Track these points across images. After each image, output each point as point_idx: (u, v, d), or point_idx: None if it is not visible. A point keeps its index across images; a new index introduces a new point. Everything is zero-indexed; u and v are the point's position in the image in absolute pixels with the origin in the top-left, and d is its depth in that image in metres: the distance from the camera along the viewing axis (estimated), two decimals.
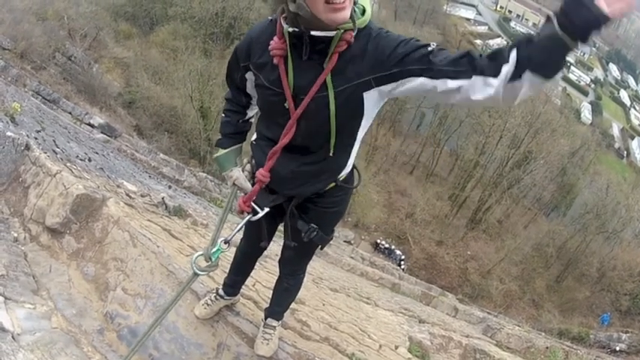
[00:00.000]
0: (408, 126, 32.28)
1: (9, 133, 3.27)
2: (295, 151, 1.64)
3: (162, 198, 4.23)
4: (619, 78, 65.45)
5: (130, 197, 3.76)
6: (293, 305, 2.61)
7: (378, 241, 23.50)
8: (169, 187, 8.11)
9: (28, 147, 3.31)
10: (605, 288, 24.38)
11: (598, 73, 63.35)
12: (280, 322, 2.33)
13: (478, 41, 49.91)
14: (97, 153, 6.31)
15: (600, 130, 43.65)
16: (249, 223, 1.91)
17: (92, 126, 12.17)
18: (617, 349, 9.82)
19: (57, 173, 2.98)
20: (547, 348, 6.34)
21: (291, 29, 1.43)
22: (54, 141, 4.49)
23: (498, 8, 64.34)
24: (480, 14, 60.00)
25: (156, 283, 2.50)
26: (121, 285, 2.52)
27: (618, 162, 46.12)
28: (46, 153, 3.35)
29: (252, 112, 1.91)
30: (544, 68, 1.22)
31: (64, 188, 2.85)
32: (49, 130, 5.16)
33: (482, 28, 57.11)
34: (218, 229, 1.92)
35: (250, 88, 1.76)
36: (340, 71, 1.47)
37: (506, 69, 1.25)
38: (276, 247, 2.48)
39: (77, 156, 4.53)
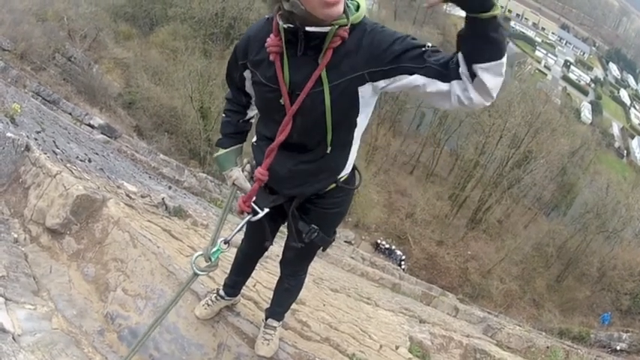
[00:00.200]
0: (408, 126, 32.23)
1: (9, 134, 3.27)
2: (292, 149, 1.65)
3: (163, 198, 4.23)
4: (619, 77, 65.55)
5: (130, 198, 3.75)
6: (293, 306, 2.60)
7: (379, 241, 23.45)
8: (169, 187, 8.10)
9: (28, 148, 3.31)
10: (606, 287, 24.34)
11: (598, 72, 63.46)
12: (281, 322, 2.33)
13: None
14: (97, 154, 6.31)
15: (600, 130, 43.69)
16: (251, 225, 1.91)
17: (92, 127, 12.18)
18: (618, 348, 9.84)
19: (57, 174, 2.98)
20: (548, 348, 6.34)
21: (286, 25, 1.45)
22: (54, 142, 4.48)
23: None
24: None
25: (156, 283, 2.50)
26: (121, 286, 2.52)
27: (618, 161, 46.16)
28: (46, 154, 3.35)
29: (253, 112, 1.91)
30: (483, 53, 1.27)
31: (64, 189, 2.85)
32: (49, 131, 5.15)
33: None
34: (218, 230, 1.92)
35: (249, 86, 1.77)
36: (335, 66, 1.48)
37: (462, 70, 1.32)
38: (276, 247, 2.48)
39: (77, 157, 4.52)
